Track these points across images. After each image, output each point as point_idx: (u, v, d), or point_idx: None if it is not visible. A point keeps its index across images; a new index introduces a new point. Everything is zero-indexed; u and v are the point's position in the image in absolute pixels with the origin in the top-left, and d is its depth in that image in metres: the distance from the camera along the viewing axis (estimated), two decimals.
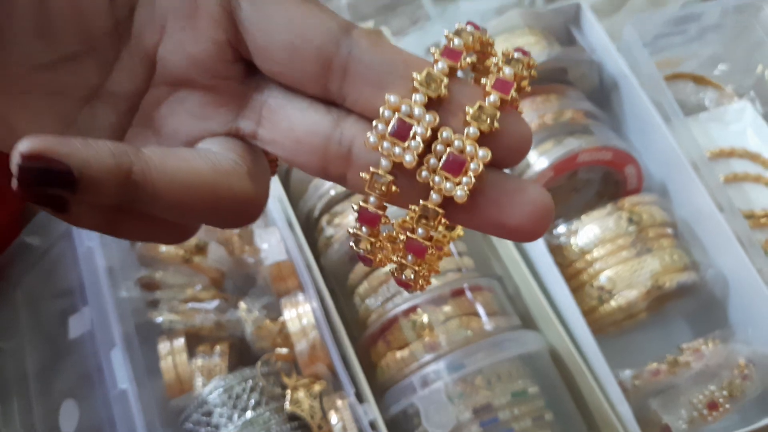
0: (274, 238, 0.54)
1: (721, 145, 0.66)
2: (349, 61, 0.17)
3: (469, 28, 0.18)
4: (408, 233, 0.17)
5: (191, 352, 0.52)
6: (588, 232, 0.55)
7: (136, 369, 0.50)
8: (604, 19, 0.71)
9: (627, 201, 0.56)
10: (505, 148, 0.17)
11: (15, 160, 0.15)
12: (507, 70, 0.17)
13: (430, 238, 0.17)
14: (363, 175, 0.17)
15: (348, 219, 0.55)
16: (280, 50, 0.17)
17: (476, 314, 0.50)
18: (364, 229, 0.18)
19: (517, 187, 0.17)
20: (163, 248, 0.54)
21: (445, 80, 0.17)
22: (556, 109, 0.59)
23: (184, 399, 0.50)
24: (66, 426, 0.54)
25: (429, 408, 0.46)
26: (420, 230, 0.17)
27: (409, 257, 0.18)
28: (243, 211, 0.18)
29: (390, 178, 0.17)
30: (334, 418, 0.47)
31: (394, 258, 0.18)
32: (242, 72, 0.18)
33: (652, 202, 0.56)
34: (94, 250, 0.53)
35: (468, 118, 0.17)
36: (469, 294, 0.51)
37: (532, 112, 0.59)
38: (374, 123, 0.17)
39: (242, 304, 0.52)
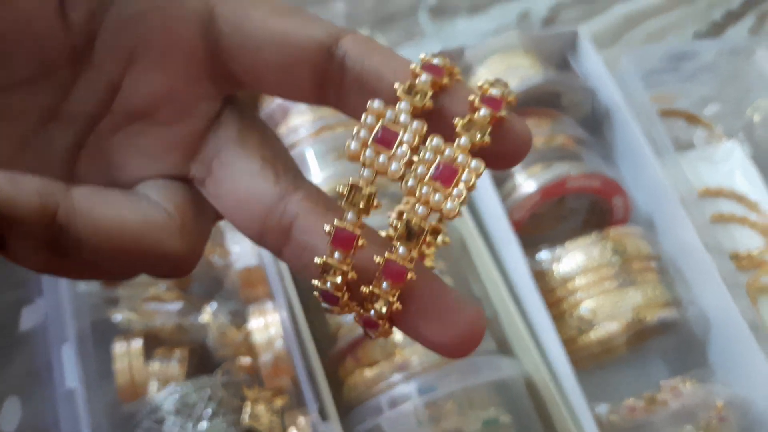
0: (247, 241, 0.52)
1: (708, 183, 0.65)
2: (343, 73, 0.16)
3: (436, 60, 0.17)
4: (387, 253, 0.15)
5: (149, 354, 0.49)
6: (571, 259, 0.53)
7: (87, 368, 0.47)
8: (600, 50, 0.71)
9: (612, 231, 0.54)
10: (506, 148, 0.16)
11: None
12: (494, 91, 0.16)
13: (412, 260, 0.15)
14: (341, 188, 0.16)
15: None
16: (272, 72, 0.17)
17: None
18: (336, 254, 0.16)
19: (453, 305, 0.16)
20: None
21: (430, 92, 0.16)
22: (547, 133, 0.58)
23: (136, 404, 0.47)
24: (7, 425, 0.50)
25: (396, 431, 0.43)
26: (401, 249, 0.15)
27: (384, 284, 0.15)
28: (171, 266, 0.17)
29: (372, 190, 0.15)
30: None
31: (367, 290, 0.16)
32: (209, 110, 0.18)
33: (638, 234, 0.55)
34: None
35: (458, 128, 0.16)
36: None
37: None
38: (356, 129, 0.16)
39: (207, 308, 0.50)
